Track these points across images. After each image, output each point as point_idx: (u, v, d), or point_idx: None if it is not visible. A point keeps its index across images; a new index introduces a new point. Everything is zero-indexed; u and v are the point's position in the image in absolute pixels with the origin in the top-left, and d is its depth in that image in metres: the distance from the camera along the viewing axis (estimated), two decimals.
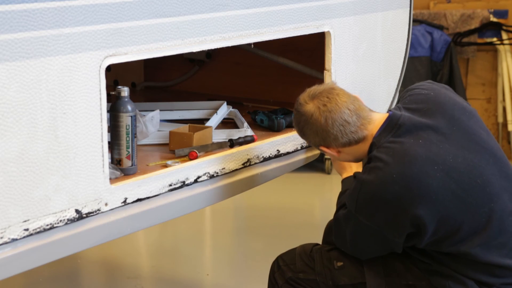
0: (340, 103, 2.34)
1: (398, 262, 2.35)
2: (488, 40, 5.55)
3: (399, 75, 3.31)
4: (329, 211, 3.02)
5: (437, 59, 5.38)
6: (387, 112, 2.39)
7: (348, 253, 2.40)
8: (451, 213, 2.22)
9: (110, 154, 2.35)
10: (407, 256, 2.35)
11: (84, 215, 2.15)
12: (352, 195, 2.31)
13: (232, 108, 3.15)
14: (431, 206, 2.20)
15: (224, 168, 2.57)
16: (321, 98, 2.35)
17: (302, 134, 2.44)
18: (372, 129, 2.35)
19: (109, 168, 2.24)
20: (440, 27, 5.48)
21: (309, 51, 3.25)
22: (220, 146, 2.64)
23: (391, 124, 2.31)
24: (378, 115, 2.38)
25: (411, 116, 2.31)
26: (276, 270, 2.50)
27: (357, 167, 2.66)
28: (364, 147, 2.37)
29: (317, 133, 2.37)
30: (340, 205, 2.45)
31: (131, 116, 2.35)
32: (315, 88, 2.39)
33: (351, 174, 2.62)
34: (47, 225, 2.06)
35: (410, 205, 2.20)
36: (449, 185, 2.21)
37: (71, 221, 2.12)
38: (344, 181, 2.62)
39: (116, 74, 3.69)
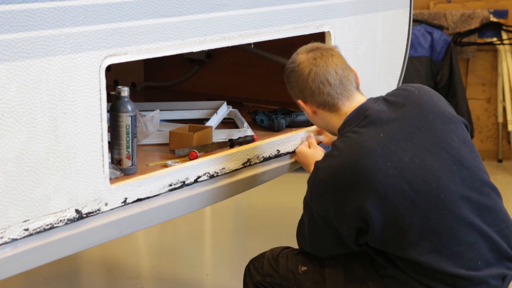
0: (330, 63, 2.36)
1: (359, 266, 2.32)
2: (488, 40, 5.55)
3: (399, 75, 3.31)
4: None
5: (437, 59, 5.38)
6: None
7: (309, 251, 2.39)
8: (400, 213, 2.18)
9: (110, 154, 2.35)
10: (370, 260, 2.32)
11: (84, 215, 2.15)
12: (309, 182, 2.31)
13: (232, 108, 3.15)
14: (379, 202, 2.17)
15: (224, 168, 2.57)
16: (316, 52, 2.39)
17: (287, 81, 2.46)
18: (348, 108, 2.35)
19: (109, 168, 2.24)
20: (440, 27, 5.48)
21: None
22: (220, 146, 2.64)
23: (359, 114, 2.31)
24: (360, 98, 2.38)
25: (382, 109, 2.29)
26: (247, 274, 2.51)
27: None
28: (335, 120, 2.37)
29: (298, 82, 2.39)
30: None
31: (131, 116, 2.36)
32: (317, 44, 2.44)
33: None
34: (47, 225, 2.06)
35: (358, 197, 2.18)
36: (401, 184, 2.18)
37: (71, 221, 2.12)
38: None
39: (116, 74, 3.69)
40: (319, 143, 2.79)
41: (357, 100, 2.36)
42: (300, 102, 2.41)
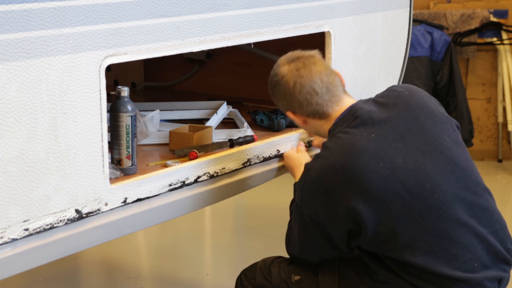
0: (314, 72, 2.32)
1: (354, 273, 2.29)
2: (488, 40, 5.55)
3: (399, 75, 3.31)
4: None
5: (437, 59, 5.38)
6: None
7: (298, 256, 2.36)
8: (394, 214, 2.15)
9: (110, 154, 2.35)
10: (363, 265, 2.29)
11: (84, 215, 2.15)
12: (299, 184, 2.27)
13: (232, 108, 3.15)
14: (371, 203, 2.13)
15: (224, 168, 2.57)
16: (297, 62, 2.34)
17: (272, 94, 2.43)
18: (337, 112, 2.32)
19: (109, 168, 2.24)
20: (440, 27, 5.48)
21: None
22: (220, 146, 2.65)
23: (349, 115, 2.27)
24: (349, 100, 2.34)
25: (372, 110, 2.26)
26: (239, 285, 2.48)
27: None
28: (326, 126, 2.34)
29: (284, 96, 2.36)
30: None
31: (131, 116, 2.36)
32: (297, 52, 2.39)
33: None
34: (47, 225, 2.06)
35: (350, 198, 2.14)
36: (394, 185, 2.14)
37: (71, 221, 2.12)
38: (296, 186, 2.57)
39: (116, 74, 3.69)
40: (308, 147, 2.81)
41: (346, 102, 2.33)
42: (289, 114, 2.39)
